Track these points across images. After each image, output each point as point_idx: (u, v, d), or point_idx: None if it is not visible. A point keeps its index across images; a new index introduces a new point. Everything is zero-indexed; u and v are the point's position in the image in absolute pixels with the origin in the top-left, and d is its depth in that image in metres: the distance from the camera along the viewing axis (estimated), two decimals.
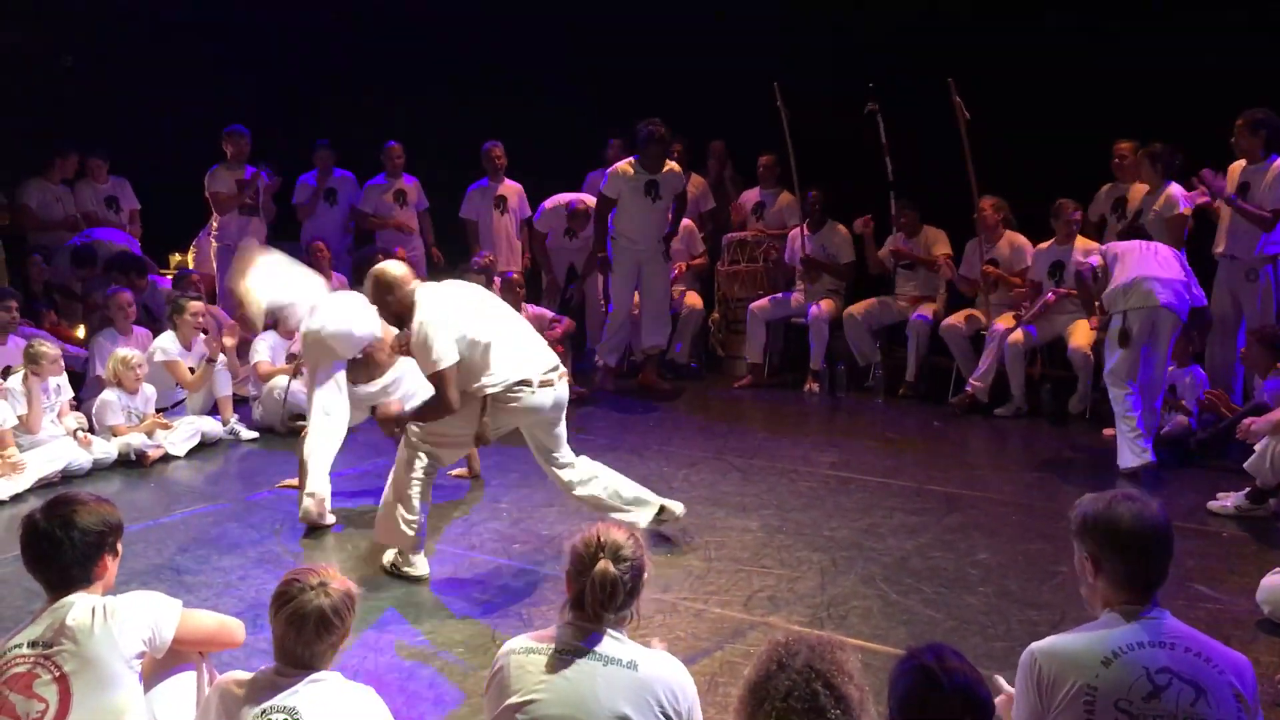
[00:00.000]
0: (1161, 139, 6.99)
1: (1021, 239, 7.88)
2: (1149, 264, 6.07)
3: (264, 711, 2.53)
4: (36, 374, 6.26)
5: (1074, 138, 7.56)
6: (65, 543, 2.79)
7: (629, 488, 5.01)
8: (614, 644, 2.62)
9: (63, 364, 6.55)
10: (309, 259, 8.81)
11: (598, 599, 2.59)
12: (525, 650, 2.63)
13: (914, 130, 7.95)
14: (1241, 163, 6.69)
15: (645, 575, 2.69)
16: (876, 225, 8.49)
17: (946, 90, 7.46)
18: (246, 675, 2.63)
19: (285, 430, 7.05)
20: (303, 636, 2.58)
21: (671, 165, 8.02)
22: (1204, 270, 7.00)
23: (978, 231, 7.92)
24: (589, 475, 4.94)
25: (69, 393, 6.62)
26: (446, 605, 4.48)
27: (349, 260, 9.22)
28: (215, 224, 9.13)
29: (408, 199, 9.52)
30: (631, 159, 8.02)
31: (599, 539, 2.65)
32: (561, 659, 2.58)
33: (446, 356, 4.48)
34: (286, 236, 9.56)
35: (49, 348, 6.41)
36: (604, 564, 2.60)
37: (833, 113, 8.10)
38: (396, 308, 4.66)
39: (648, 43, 8.98)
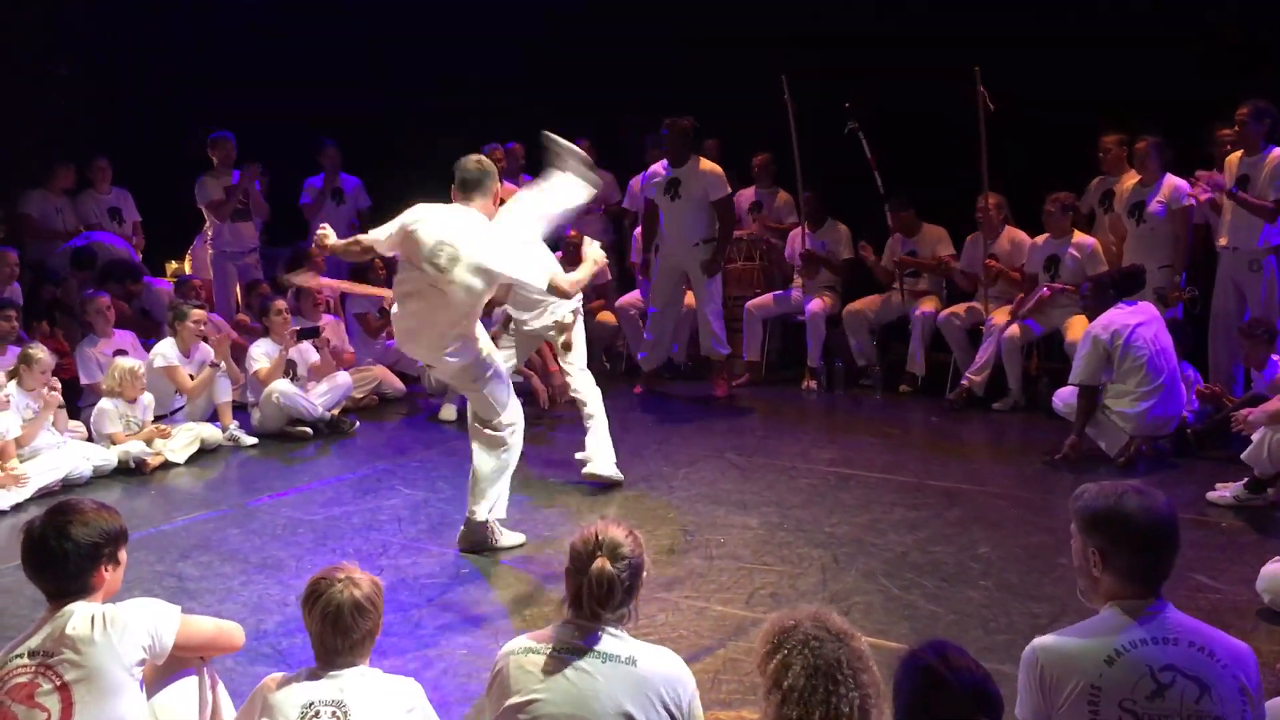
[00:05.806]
0: (1146, 132, 7.06)
1: (1021, 235, 7.85)
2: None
3: (310, 704, 2.55)
4: (26, 382, 6.16)
5: (1070, 131, 7.54)
6: (60, 553, 2.79)
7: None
8: (613, 641, 2.62)
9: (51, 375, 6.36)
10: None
11: (594, 597, 2.60)
12: (525, 650, 2.64)
13: (916, 121, 7.90)
14: (1239, 154, 6.68)
15: (644, 574, 2.70)
16: (870, 233, 8.47)
17: (964, 79, 7.38)
18: (282, 675, 2.67)
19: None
20: (339, 627, 2.61)
21: (704, 163, 7.76)
22: (1207, 263, 7.06)
23: (979, 227, 7.92)
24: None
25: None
26: (448, 607, 4.48)
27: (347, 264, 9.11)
28: (210, 231, 9.10)
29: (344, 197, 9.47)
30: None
31: (597, 537, 2.66)
32: (562, 658, 2.58)
33: None
34: (293, 239, 9.51)
35: (44, 354, 6.29)
36: (601, 562, 2.61)
37: (832, 111, 8.04)
38: None
39: (634, 37, 8.94)
